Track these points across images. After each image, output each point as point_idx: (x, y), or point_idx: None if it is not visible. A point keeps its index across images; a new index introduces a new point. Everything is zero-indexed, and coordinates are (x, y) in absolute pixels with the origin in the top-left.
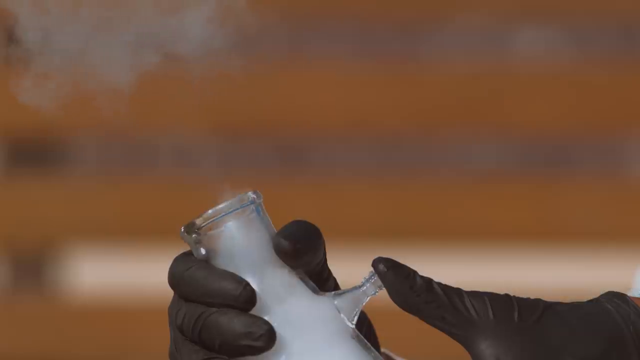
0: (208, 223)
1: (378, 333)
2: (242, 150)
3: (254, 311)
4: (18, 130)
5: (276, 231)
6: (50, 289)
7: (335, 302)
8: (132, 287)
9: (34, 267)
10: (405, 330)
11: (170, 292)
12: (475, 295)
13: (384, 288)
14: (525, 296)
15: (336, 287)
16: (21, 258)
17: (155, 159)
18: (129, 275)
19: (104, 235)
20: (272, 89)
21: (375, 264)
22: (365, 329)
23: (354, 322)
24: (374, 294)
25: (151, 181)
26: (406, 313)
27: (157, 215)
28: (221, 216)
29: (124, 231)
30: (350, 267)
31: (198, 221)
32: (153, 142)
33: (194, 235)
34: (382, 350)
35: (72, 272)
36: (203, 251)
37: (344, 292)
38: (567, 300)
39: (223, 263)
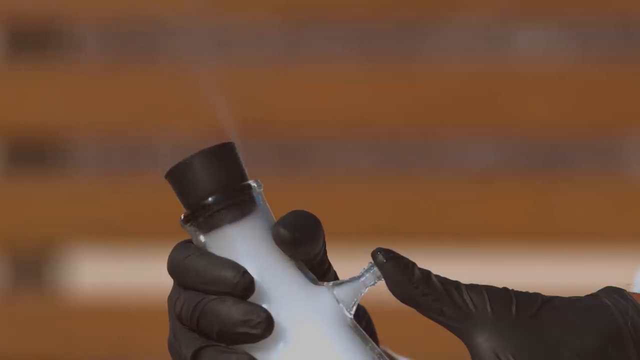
0: (208, 212)
1: (378, 332)
2: (241, 150)
3: (252, 299)
4: (18, 130)
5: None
6: (50, 289)
7: (334, 292)
8: (132, 287)
9: (34, 267)
10: (406, 329)
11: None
12: (474, 288)
13: (382, 279)
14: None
15: (336, 279)
16: (21, 258)
17: (155, 159)
18: (129, 275)
19: (104, 235)
20: (272, 89)
21: (374, 254)
22: (365, 325)
23: (352, 312)
24: (373, 284)
25: (151, 181)
26: (406, 312)
27: (157, 215)
28: (221, 204)
29: (124, 231)
30: (349, 266)
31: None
32: (153, 142)
33: (193, 224)
34: (381, 347)
35: (72, 272)
36: (203, 239)
37: (343, 282)
38: None
39: (222, 251)
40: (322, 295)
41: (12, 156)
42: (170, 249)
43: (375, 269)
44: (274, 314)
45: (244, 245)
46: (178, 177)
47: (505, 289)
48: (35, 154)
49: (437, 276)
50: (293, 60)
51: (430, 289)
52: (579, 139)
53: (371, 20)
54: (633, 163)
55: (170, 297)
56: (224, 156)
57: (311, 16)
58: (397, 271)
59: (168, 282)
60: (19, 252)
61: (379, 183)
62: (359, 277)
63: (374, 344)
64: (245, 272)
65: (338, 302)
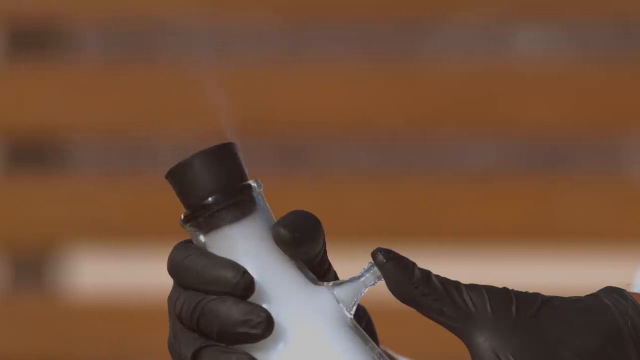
0: (208, 212)
1: (378, 332)
2: (241, 150)
3: (252, 299)
4: (18, 130)
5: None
6: (50, 289)
7: (334, 292)
8: (132, 287)
9: (34, 267)
10: (406, 329)
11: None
12: (473, 288)
13: (382, 279)
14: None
15: (336, 279)
16: (21, 258)
17: (155, 159)
18: (129, 275)
19: (104, 235)
20: (272, 89)
21: (374, 254)
22: (365, 325)
23: (352, 312)
24: (373, 284)
25: (151, 181)
26: (406, 312)
27: (157, 215)
28: (221, 204)
29: (124, 231)
30: (349, 266)
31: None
32: (153, 142)
33: (193, 224)
34: (381, 347)
35: (72, 272)
36: (203, 239)
37: (343, 282)
38: None
39: (222, 251)
40: (322, 295)
41: (12, 156)
42: (170, 249)
43: (375, 269)
44: (274, 314)
45: (244, 245)
46: (178, 177)
47: (505, 289)
48: (35, 154)
49: (437, 276)
50: (293, 60)
51: (430, 289)
52: (579, 139)
53: (371, 20)
54: (633, 163)
55: (170, 297)
56: (224, 156)
57: (311, 16)
58: (397, 271)
59: (168, 282)
60: (19, 252)
61: (379, 183)
62: (359, 277)
63: (374, 344)
64: (245, 272)
65: (338, 302)
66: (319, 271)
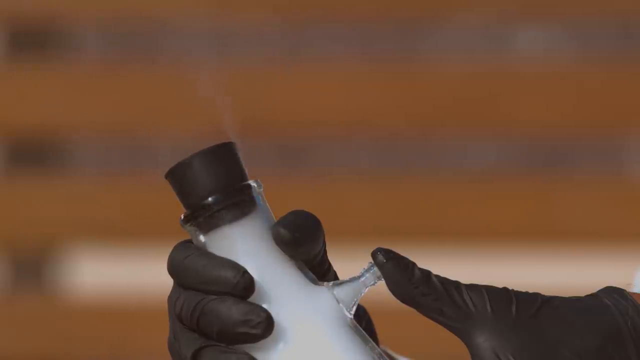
0: (208, 212)
1: (378, 332)
2: (242, 150)
3: (252, 299)
4: (18, 130)
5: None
6: (50, 289)
7: (334, 292)
8: (132, 287)
9: (34, 267)
10: (406, 329)
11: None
12: (474, 288)
13: (382, 279)
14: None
15: (336, 279)
16: (21, 258)
17: (155, 159)
18: (129, 275)
19: (104, 235)
20: (272, 89)
21: (374, 254)
22: (365, 325)
23: (352, 312)
24: (373, 284)
25: (151, 181)
26: (406, 312)
27: (157, 215)
28: (221, 204)
29: (124, 231)
30: (349, 266)
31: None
32: (153, 142)
33: (193, 224)
34: (381, 347)
35: (72, 272)
36: (202, 239)
37: (343, 282)
38: None
39: (222, 251)
40: (322, 295)
41: (12, 156)
42: (170, 249)
43: (375, 269)
44: (274, 314)
45: (244, 245)
46: (178, 177)
47: (505, 289)
48: (35, 154)
49: (437, 276)
50: (293, 60)
51: (430, 289)
52: (579, 139)
53: (372, 20)
54: (633, 163)
55: (170, 297)
56: (224, 156)
57: (312, 16)
58: (397, 271)
59: (168, 282)
60: (19, 252)
61: (379, 183)
62: (359, 277)
63: (374, 344)
64: (245, 272)
65: (338, 302)
66: (319, 271)
